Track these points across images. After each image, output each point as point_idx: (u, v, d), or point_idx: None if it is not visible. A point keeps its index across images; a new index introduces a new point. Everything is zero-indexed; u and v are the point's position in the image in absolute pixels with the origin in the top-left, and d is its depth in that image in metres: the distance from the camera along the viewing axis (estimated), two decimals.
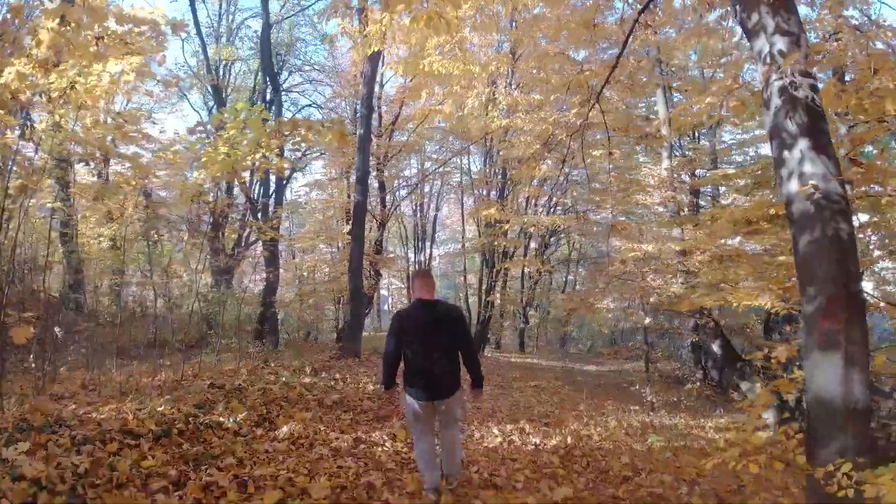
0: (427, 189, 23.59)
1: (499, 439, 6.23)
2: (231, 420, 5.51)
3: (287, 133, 6.10)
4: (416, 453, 4.18)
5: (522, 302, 20.59)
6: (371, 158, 14.04)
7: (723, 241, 12.41)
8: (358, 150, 10.82)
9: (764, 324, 13.98)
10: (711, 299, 5.28)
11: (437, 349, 3.89)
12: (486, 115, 9.46)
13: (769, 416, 10.26)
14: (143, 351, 10.04)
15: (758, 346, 12.95)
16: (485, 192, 18.64)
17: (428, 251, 25.59)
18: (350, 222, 10.97)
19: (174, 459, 4.39)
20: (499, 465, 5.35)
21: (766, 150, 18.72)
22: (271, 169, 7.06)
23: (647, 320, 9.89)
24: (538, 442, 6.46)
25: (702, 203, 15.22)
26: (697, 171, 14.21)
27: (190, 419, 5.24)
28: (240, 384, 7.20)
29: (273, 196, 12.64)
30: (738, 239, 11.50)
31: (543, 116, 8.40)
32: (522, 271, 22.89)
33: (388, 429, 6.04)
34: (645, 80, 9.88)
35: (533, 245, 22.53)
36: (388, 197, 15.43)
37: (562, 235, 24.77)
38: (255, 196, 13.28)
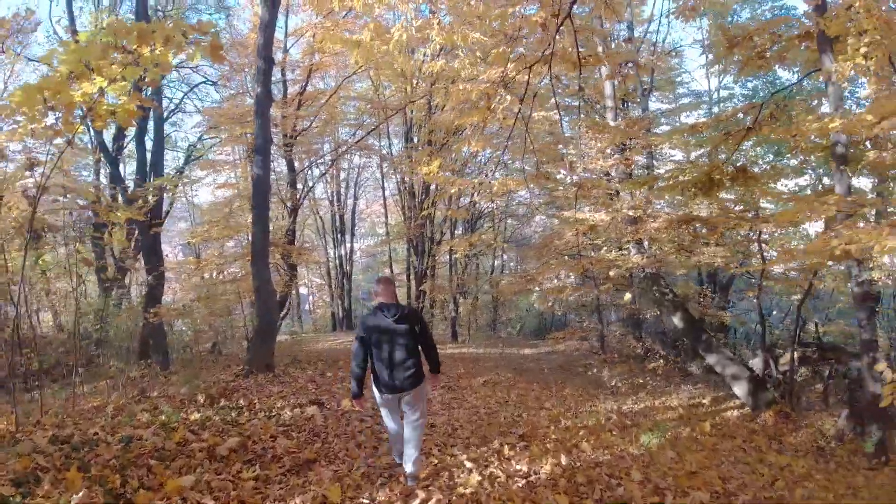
0: (344, 176, 21.16)
1: (475, 477, 4.23)
2: None
3: (133, 49, 3.74)
4: (386, 429, 4.41)
5: (453, 289, 18.72)
6: (276, 131, 11.55)
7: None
8: (255, 114, 8.40)
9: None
10: (858, 245, 3.59)
11: (400, 348, 4.02)
12: (414, 55, 7.39)
13: (740, 391, 9.06)
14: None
15: (704, 316, 11.87)
16: (403, 178, 16.57)
17: (348, 244, 23.16)
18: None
19: None
20: None
21: (690, 118, 18.01)
22: (115, 115, 4.61)
23: (628, 295, 8.28)
24: (526, 470, 4.55)
25: (636, 172, 13.99)
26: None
27: None
28: (95, 433, 4.81)
29: (149, 168, 9.60)
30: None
31: (488, 62, 6.43)
32: (451, 259, 21.12)
33: (315, 487, 3.88)
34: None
35: (458, 231, 20.86)
36: (299, 181, 12.91)
37: (487, 220, 23.22)
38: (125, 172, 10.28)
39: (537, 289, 20.42)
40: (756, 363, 9.60)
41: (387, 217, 20.93)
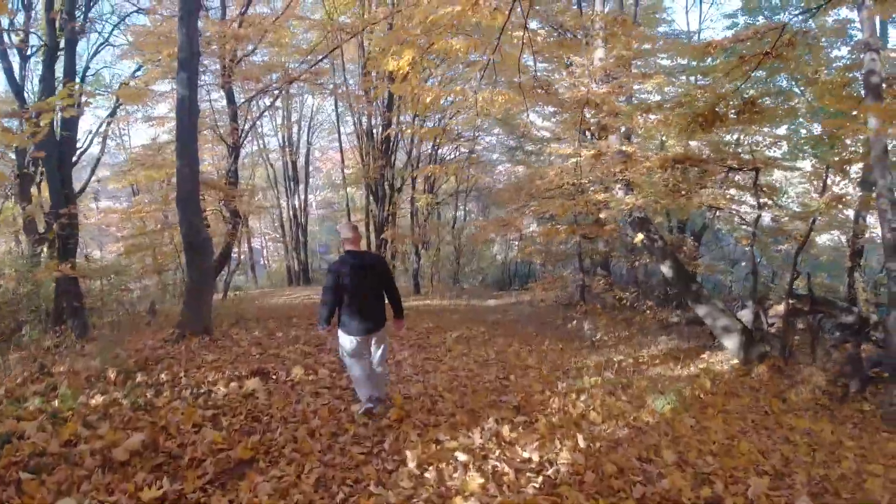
0: (296, 118, 19.08)
1: (475, 477, 3.03)
2: None
3: None
4: (353, 376, 4.27)
5: (415, 238, 17.38)
6: (213, 59, 9.63)
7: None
8: (180, 19, 6.61)
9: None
10: None
11: (367, 292, 4.09)
12: None
13: (730, 344, 8.30)
14: None
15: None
16: (364, 114, 14.79)
17: (302, 194, 21.24)
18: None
19: None
20: None
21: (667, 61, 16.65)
22: None
23: (640, 236, 7.12)
24: (538, 459, 3.38)
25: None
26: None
27: None
28: None
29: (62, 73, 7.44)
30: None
31: None
32: (413, 207, 19.68)
33: None
34: None
35: (419, 184, 19.44)
36: (242, 117, 10.98)
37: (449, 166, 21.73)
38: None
39: (511, 236, 19.26)
40: (745, 315, 8.82)
41: (343, 161, 19.08)
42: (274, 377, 4.99)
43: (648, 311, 8.76)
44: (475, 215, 26.70)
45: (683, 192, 7.65)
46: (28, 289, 7.14)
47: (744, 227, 10.10)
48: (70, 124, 7.75)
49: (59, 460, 3.09)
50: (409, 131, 11.64)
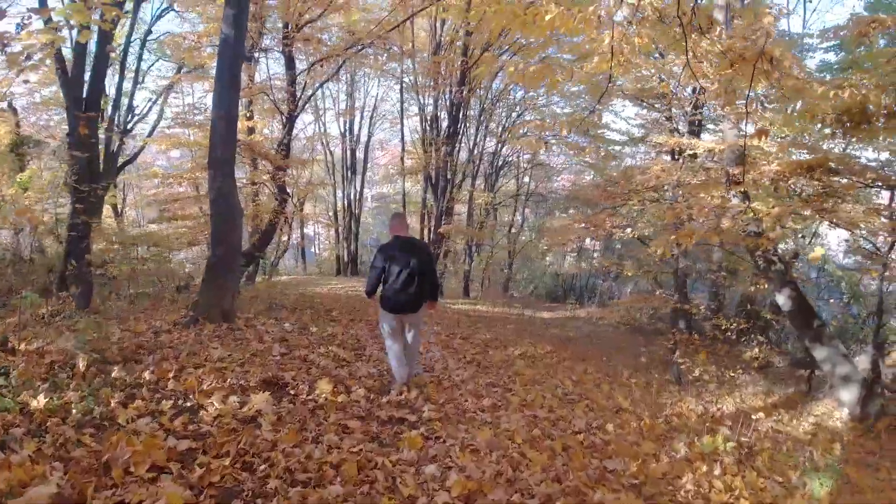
0: (359, 105, 18.01)
1: None
2: None
3: None
4: (388, 354, 4.42)
5: (470, 238, 15.98)
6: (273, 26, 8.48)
7: None
8: None
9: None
10: None
11: (408, 274, 4.15)
12: None
13: (847, 396, 6.53)
14: None
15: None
16: (430, 99, 13.49)
17: (358, 184, 20.14)
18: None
19: None
20: None
21: None
22: None
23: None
24: None
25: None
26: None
27: None
28: None
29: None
30: None
31: None
32: (469, 208, 18.27)
33: None
34: None
35: (479, 182, 18.03)
36: (300, 85, 9.79)
37: (511, 168, 20.27)
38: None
39: (569, 248, 17.55)
40: (862, 361, 6.96)
41: (403, 149, 17.82)
42: (292, 392, 3.61)
43: (758, 349, 6.93)
44: (531, 221, 25.08)
45: (826, 206, 5.84)
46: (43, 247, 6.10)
47: (873, 255, 8.08)
48: (104, 39, 6.58)
49: None
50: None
